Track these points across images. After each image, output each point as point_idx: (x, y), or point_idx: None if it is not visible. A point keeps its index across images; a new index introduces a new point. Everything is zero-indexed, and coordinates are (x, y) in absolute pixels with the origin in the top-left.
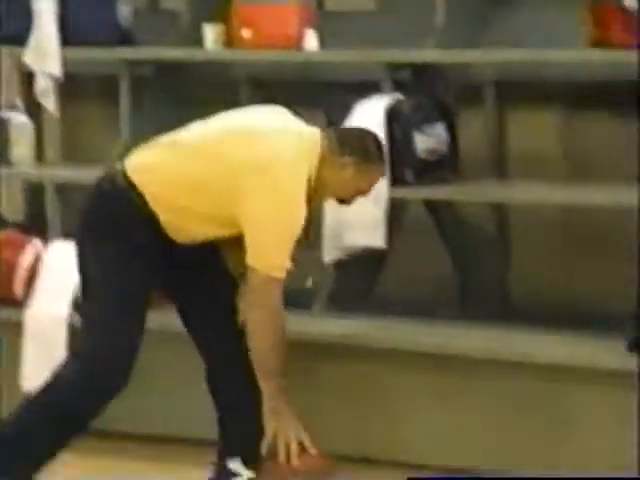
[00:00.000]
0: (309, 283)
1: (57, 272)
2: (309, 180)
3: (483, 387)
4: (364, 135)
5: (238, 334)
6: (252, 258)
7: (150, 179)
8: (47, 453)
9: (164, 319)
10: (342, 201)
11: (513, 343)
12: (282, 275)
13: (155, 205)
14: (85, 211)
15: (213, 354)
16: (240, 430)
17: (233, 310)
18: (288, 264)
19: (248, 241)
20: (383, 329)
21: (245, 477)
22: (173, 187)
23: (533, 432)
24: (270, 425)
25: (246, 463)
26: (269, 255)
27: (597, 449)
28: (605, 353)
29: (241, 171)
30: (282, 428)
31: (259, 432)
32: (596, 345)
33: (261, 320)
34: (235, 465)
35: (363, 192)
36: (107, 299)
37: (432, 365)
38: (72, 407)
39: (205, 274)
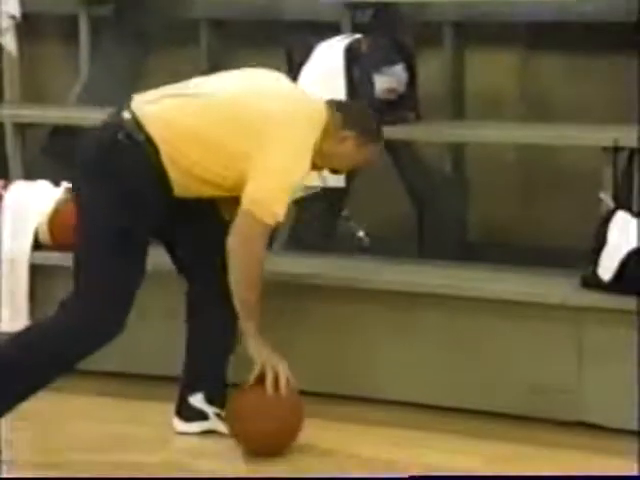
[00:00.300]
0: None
1: (18, 212)
2: (315, 145)
3: (441, 323)
4: (365, 111)
5: (222, 272)
6: (252, 203)
7: (166, 135)
8: (27, 392)
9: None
10: (335, 171)
11: (470, 280)
12: (273, 223)
13: (167, 161)
14: (91, 155)
15: (196, 282)
16: (207, 365)
17: (220, 251)
18: (282, 215)
19: (252, 188)
20: (343, 268)
21: (211, 412)
22: (187, 145)
23: (487, 366)
24: (260, 356)
25: (211, 401)
26: (270, 202)
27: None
28: (558, 289)
29: (264, 122)
30: (270, 360)
31: (224, 372)
32: (550, 281)
33: (245, 262)
34: (197, 401)
35: (357, 166)
36: (106, 242)
37: (391, 302)
38: (64, 349)
39: (198, 217)
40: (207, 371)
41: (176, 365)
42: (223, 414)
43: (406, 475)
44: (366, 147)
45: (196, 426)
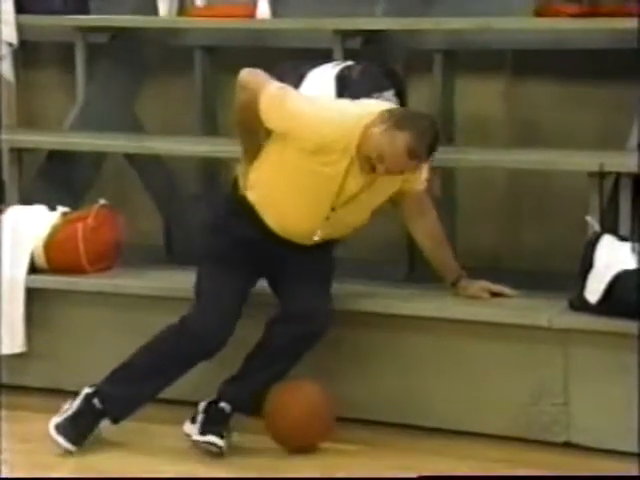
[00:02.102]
0: None
1: (14, 236)
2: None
3: (427, 346)
4: (417, 115)
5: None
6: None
7: None
8: (152, 391)
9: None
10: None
11: (457, 303)
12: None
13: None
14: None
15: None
16: (251, 376)
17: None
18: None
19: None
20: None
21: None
22: None
23: (473, 388)
24: None
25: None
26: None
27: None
28: (545, 311)
29: None
30: None
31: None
32: (537, 304)
33: (240, 103)
34: (227, 407)
35: (382, 158)
36: (208, 273)
37: (384, 325)
38: (170, 348)
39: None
40: (247, 382)
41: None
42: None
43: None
44: (393, 136)
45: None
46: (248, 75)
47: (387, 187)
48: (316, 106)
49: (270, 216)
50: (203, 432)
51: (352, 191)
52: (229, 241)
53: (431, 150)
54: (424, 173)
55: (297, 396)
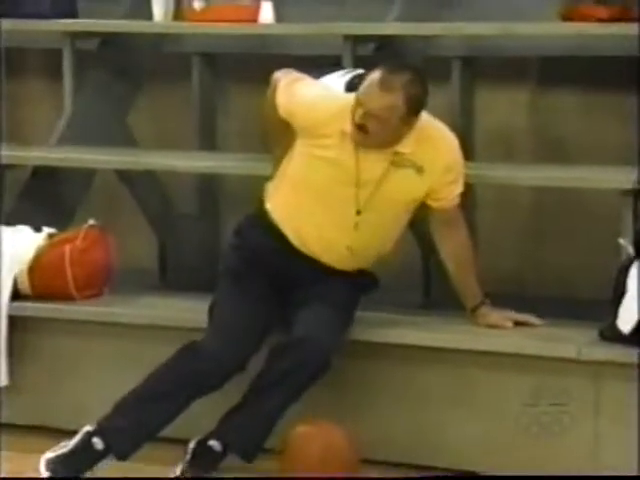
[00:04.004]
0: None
1: None
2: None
3: (447, 378)
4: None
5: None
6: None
7: None
8: (164, 419)
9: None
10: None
11: (480, 333)
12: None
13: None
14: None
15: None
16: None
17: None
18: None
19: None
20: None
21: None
22: None
23: (501, 423)
24: None
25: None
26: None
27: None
28: (574, 342)
29: None
30: None
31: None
32: (565, 334)
33: (267, 100)
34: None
35: (359, 100)
36: (224, 291)
37: (397, 357)
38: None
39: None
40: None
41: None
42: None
43: None
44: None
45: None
46: (279, 73)
47: (406, 180)
48: (322, 89)
49: (290, 229)
50: (183, 472)
51: (370, 178)
52: (246, 256)
53: (412, 90)
54: (456, 190)
55: (316, 439)
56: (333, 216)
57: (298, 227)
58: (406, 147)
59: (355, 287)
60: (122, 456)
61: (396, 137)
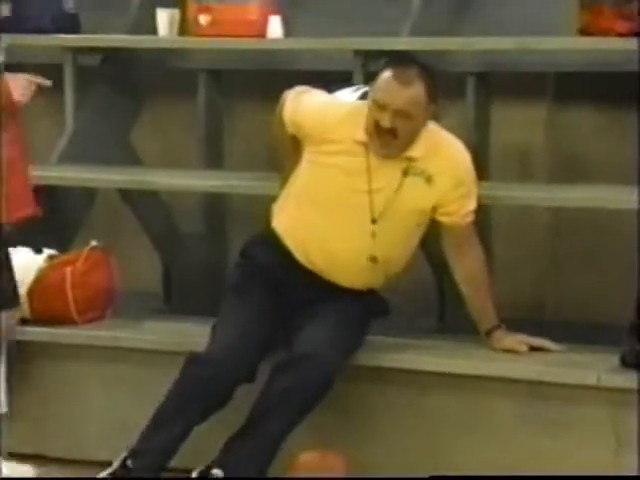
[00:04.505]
0: None
1: None
2: None
3: (461, 405)
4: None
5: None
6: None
7: None
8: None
9: None
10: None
11: (496, 359)
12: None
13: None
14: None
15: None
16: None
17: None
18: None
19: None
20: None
21: None
22: None
23: (516, 452)
24: None
25: None
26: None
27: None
28: (594, 368)
29: None
30: None
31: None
32: (585, 360)
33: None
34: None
35: (377, 102)
36: (228, 303)
37: (410, 383)
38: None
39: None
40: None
41: None
42: None
43: None
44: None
45: None
46: (289, 91)
47: (416, 189)
48: (328, 97)
49: (295, 244)
50: None
51: (383, 186)
52: (250, 271)
53: (424, 74)
54: (468, 206)
55: (320, 469)
56: (347, 226)
57: (303, 242)
58: (417, 151)
59: (364, 308)
60: (153, 474)
61: (417, 135)
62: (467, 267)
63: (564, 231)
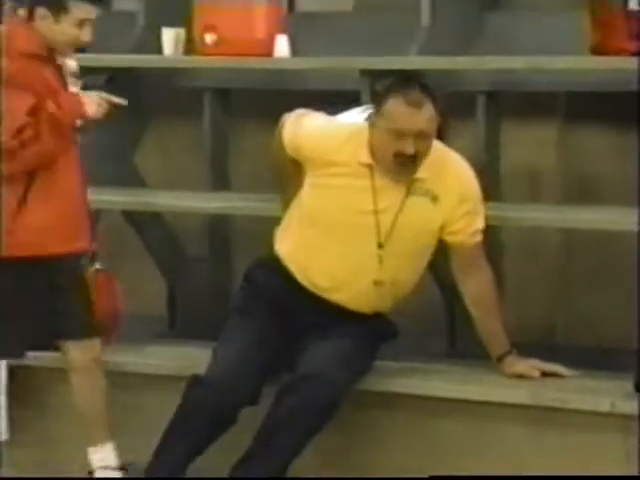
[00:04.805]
0: None
1: None
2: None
3: (471, 431)
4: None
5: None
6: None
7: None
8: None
9: None
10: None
11: (507, 385)
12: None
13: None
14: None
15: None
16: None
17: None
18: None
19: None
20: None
21: None
22: None
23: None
24: None
25: None
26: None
27: None
28: (607, 394)
29: None
30: None
31: None
32: (598, 386)
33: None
34: None
35: (395, 131)
36: (230, 326)
37: (419, 409)
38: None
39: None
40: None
41: None
42: None
43: None
44: (378, 119)
45: None
46: (288, 114)
47: (422, 209)
48: (327, 119)
49: (298, 267)
50: None
51: (388, 207)
52: (253, 294)
53: (426, 90)
54: (474, 224)
55: None
56: (353, 249)
57: (306, 266)
58: (422, 172)
59: (372, 331)
60: None
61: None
62: (475, 289)
63: (576, 252)
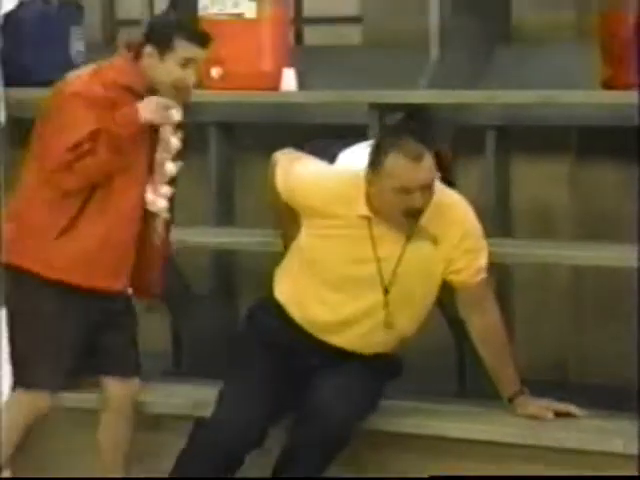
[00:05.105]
0: None
1: None
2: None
3: (480, 472)
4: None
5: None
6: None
7: None
8: None
9: None
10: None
11: (517, 425)
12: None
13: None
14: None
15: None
16: None
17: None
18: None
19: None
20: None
21: None
22: None
23: None
24: None
25: None
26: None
27: None
28: (620, 434)
29: None
30: None
31: None
32: (610, 425)
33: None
34: None
35: (402, 188)
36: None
37: (428, 450)
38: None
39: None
40: None
41: None
42: None
43: None
44: (378, 176)
45: None
46: (278, 153)
47: (423, 253)
48: (321, 166)
49: (297, 311)
50: None
51: (389, 255)
52: (255, 337)
53: (416, 134)
54: (477, 261)
55: None
56: (358, 297)
57: (308, 310)
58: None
59: (376, 368)
60: None
61: None
62: (482, 328)
63: (587, 289)
